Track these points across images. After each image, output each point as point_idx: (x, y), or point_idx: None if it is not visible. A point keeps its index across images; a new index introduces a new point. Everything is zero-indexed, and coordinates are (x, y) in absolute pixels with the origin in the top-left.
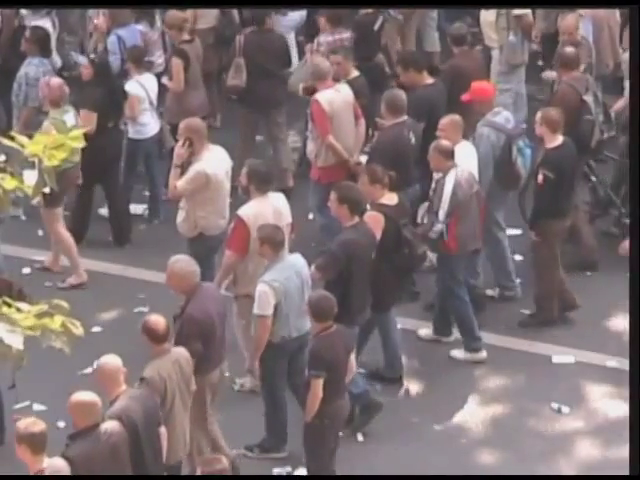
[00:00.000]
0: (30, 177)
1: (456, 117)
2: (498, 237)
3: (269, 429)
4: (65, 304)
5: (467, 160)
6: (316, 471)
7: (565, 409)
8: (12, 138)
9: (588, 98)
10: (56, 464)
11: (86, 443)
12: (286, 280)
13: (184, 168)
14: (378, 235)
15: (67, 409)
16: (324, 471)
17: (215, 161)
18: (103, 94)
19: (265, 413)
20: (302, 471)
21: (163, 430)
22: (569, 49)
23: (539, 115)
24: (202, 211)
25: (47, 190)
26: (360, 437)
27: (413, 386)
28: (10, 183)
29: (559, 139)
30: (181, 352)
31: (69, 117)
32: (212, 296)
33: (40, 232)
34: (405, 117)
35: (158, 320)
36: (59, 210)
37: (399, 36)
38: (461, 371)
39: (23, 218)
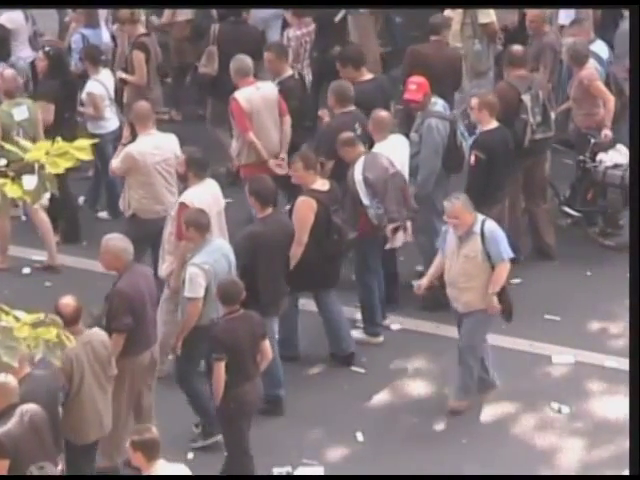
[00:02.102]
0: (29, 182)
1: (381, 114)
2: (436, 228)
3: (201, 413)
4: (59, 319)
5: (395, 154)
6: (236, 454)
7: (565, 409)
8: (16, 143)
9: (526, 97)
10: None
11: (8, 423)
12: (215, 262)
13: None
14: (311, 220)
15: None
16: (242, 453)
17: (149, 146)
18: (59, 86)
19: (190, 402)
20: (302, 471)
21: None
22: (516, 47)
23: (475, 101)
24: (135, 193)
25: (47, 196)
26: (360, 437)
27: (414, 385)
28: (12, 189)
29: (494, 123)
30: (96, 334)
31: (20, 110)
32: (144, 276)
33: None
34: (352, 107)
35: (67, 303)
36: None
37: (364, 31)
38: None
39: (23, 218)
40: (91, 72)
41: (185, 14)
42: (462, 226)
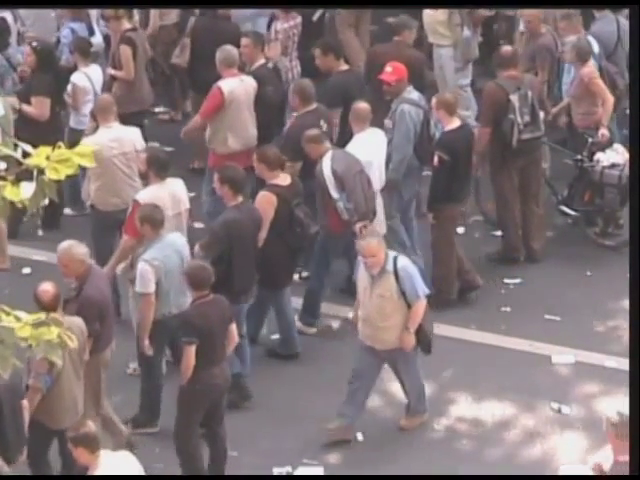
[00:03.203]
0: (27, 188)
1: (361, 105)
2: (408, 216)
3: (143, 404)
4: (60, 318)
5: (372, 148)
6: (182, 434)
7: (565, 409)
8: (16, 147)
9: (514, 97)
10: None
11: None
12: (166, 258)
13: None
14: (271, 214)
15: None
16: (189, 436)
17: (107, 138)
18: (51, 80)
19: (141, 388)
20: (302, 471)
21: (25, 403)
22: (506, 48)
23: (434, 100)
24: (93, 185)
25: (46, 202)
26: (360, 437)
27: None
28: (12, 193)
29: (456, 122)
30: (74, 321)
31: None
32: (102, 276)
33: (40, 232)
34: (315, 105)
35: (46, 289)
36: None
37: (351, 30)
38: (461, 370)
39: (23, 218)
40: (80, 65)
41: (170, 18)
42: (378, 264)
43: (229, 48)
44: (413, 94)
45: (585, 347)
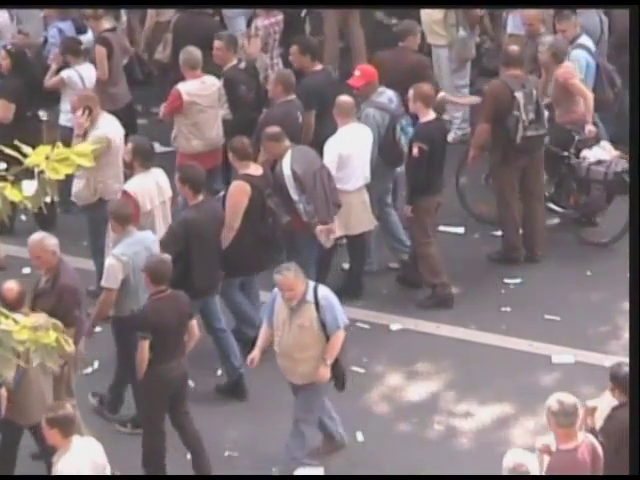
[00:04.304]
0: (29, 187)
1: (345, 99)
2: (385, 211)
3: (138, 405)
4: (59, 323)
5: (354, 142)
6: (149, 430)
7: None
8: (15, 147)
9: (519, 94)
10: None
11: None
12: (135, 255)
13: (85, 137)
14: (244, 204)
15: None
16: (155, 431)
17: (112, 127)
18: (21, 84)
19: (132, 388)
20: (302, 471)
21: (3, 392)
22: (513, 47)
23: (412, 92)
24: (101, 176)
25: (48, 200)
26: (360, 437)
27: (414, 385)
28: (12, 193)
29: (431, 114)
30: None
31: None
32: (71, 267)
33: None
34: (294, 96)
35: (11, 287)
36: None
37: (343, 26)
38: (461, 370)
39: (23, 218)
40: (73, 64)
41: (167, 15)
42: (296, 297)
43: (191, 50)
44: (383, 97)
45: (585, 347)
